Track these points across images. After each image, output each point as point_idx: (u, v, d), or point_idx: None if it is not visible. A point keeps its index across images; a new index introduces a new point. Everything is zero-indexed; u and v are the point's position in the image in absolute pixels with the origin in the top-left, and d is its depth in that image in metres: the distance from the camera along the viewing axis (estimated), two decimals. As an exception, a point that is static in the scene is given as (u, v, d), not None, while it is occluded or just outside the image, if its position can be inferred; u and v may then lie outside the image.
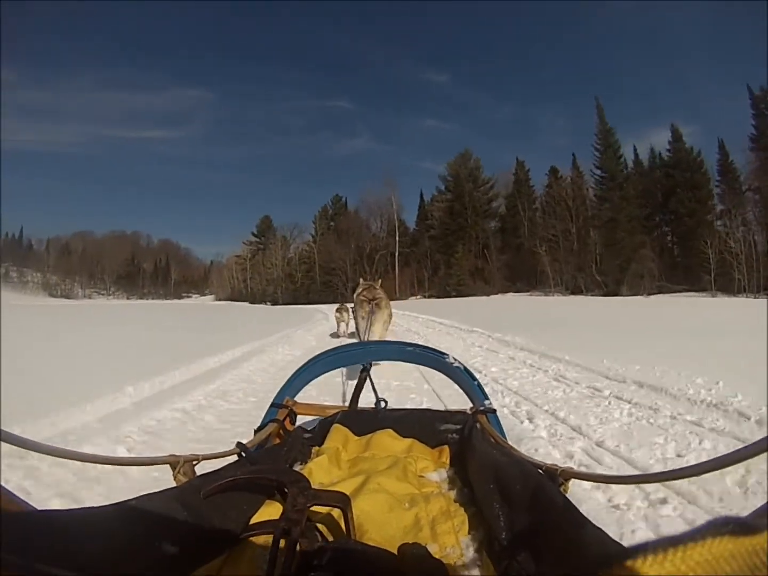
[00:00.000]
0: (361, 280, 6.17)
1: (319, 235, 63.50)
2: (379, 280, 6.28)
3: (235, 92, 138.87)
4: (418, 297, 51.50)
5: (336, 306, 10.97)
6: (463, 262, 48.30)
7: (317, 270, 59.92)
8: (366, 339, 4.16)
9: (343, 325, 9.93)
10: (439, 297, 45.92)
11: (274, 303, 57.99)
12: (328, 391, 3.82)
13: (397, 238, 56.89)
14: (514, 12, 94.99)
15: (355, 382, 1.49)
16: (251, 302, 62.18)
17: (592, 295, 35.23)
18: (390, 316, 5.62)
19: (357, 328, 5.56)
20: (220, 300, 74.41)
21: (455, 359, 1.27)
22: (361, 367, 1.49)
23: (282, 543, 0.47)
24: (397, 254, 56.10)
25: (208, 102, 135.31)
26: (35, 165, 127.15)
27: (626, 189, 40.30)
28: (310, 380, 1.30)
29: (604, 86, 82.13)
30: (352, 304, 6.03)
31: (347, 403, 1.40)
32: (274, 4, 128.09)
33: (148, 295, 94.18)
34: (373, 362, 1.59)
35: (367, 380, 1.49)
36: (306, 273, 62.15)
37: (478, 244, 50.56)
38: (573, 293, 38.30)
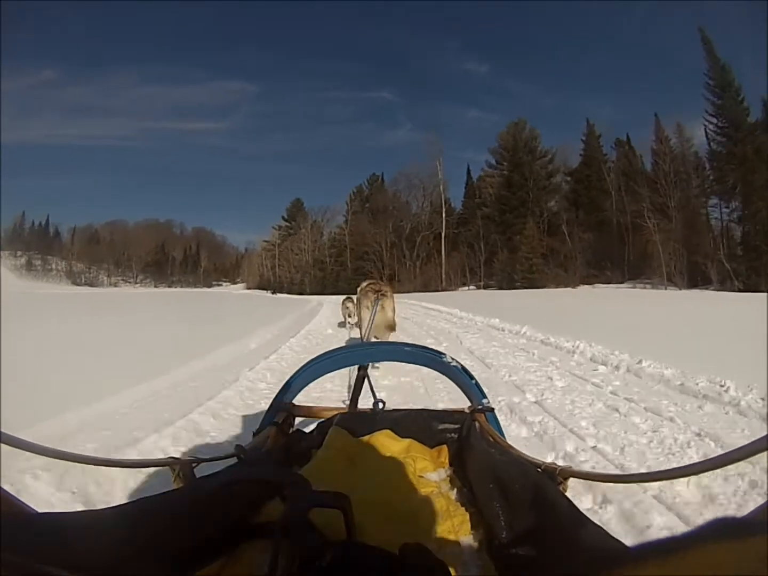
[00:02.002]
0: (367, 280, 5.51)
1: (350, 214, 55.28)
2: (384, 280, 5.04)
3: (276, 84, 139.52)
4: (470, 287, 42.17)
5: (343, 297, 10.37)
6: (535, 242, 37.97)
7: (348, 255, 51.86)
8: (369, 331, 3.32)
9: (348, 317, 9.34)
10: (500, 287, 36.55)
11: (297, 292, 50.37)
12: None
13: (443, 215, 47.50)
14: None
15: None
16: (273, 291, 56.44)
17: (723, 290, 24.80)
18: (394, 310, 5.01)
19: (359, 320, 5.29)
20: (249, 288, 70.07)
21: (453, 358, 1.25)
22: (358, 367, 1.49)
23: (282, 545, 0.47)
24: (444, 233, 46.69)
25: (250, 94, 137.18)
26: (76, 159, 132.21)
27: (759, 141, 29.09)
28: (308, 383, 1.27)
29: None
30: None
31: (346, 403, 1.41)
32: None
33: (176, 284, 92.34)
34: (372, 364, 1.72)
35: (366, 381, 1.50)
36: (336, 258, 54.34)
37: (544, 222, 41.15)
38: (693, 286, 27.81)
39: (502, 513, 0.61)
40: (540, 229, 40.25)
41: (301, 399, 1.26)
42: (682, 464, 0.77)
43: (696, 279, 28.56)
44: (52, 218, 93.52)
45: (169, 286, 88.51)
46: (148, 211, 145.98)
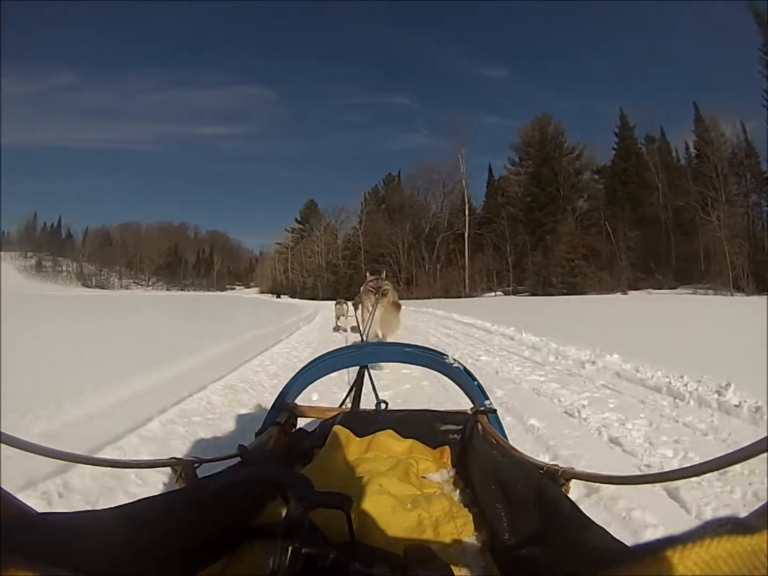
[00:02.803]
0: (368, 273, 5.84)
1: (365, 213, 51.91)
2: (384, 272, 6.05)
3: (295, 90, 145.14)
4: (497, 293, 38.47)
5: (335, 302, 10.81)
6: (575, 240, 33.74)
7: (363, 257, 48.40)
8: (368, 330, 3.66)
9: (342, 318, 9.91)
10: (533, 293, 32.68)
11: (309, 296, 47.25)
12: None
13: (467, 211, 43.84)
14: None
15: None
16: (277, 295, 55.24)
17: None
18: (398, 306, 5.18)
19: (360, 321, 5.05)
20: (262, 292, 67.89)
21: (455, 359, 1.24)
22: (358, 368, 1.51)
23: (285, 545, 0.47)
24: (467, 233, 43.00)
25: (268, 99, 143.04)
26: (92, 162, 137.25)
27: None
28: (310, 383, 1.28)
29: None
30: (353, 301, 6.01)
31: (348, 405, 1.41)
32: (334, 4, 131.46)
33: (189, 287, 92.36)
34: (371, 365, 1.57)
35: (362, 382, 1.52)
36: (350, 261, 51.01)
37: (576, 220, 37.38)
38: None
39: (505, 514, 0.62)
40: (574, 227, 36.49)
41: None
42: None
43: (765, 282, 24.39)
44: (66, 220, 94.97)
45: (182, 290, 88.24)
46: (163, 214, 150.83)
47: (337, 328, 9.76)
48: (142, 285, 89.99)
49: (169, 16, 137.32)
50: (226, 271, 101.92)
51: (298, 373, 1.24)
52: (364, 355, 1.41)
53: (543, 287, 32.60)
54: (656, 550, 0.23)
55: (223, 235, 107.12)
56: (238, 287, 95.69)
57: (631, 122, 38.50)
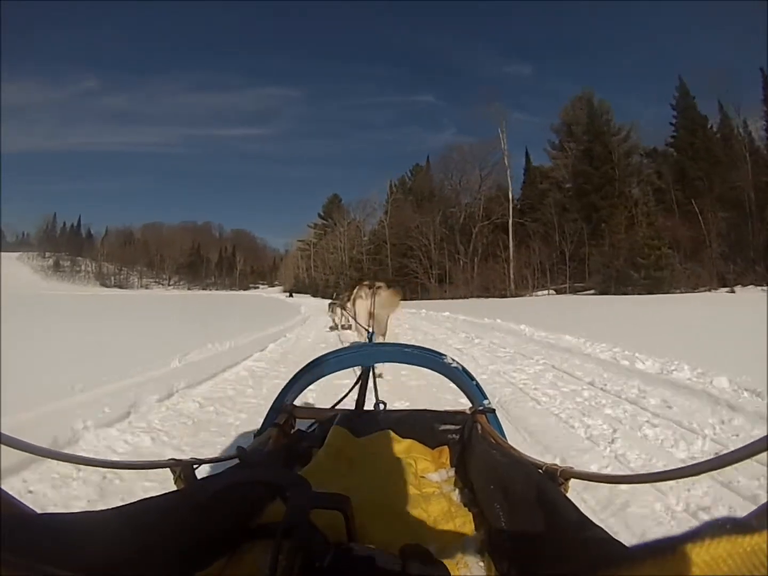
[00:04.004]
0: (366, 282, 5.29)
1: (391, 202, 46.96)
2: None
3: (319, 90, 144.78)
4: (549, 291, 32.83)
5: (329, 301, 11.07)
6: (657, 222, 27.18)
7: (388, 251, 43.44)
8: (372, 326, 3.68)
9: (336, 319, 9.76)
10: (602, 291, 26.69)
11: (330, 295, 42.50)
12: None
13: (510, 195, 38.34)
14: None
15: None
16: (290, 294, 52.69)
17: None
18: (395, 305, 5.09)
19: (356, 318, 4.94)
20: (285, 291, 65.35)
21: (453, 359, 1.24)
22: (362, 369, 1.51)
23: (283, 546, 0.47)
24: (511, 220, 37.39)
25: (293, 100, 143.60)
26: (117, 164, 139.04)
27: None
28: (309, 384, 1.29)
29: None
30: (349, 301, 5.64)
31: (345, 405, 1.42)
32: (358, 4, 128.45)
33: (211, 286, 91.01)
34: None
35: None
36: (374, 256, 46.18)
37: (634, 206, 31.77)
38: None
39: (504, 514, 0.62)
40: (632, 214, 30.77)
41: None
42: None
43: None
44: (93, 222, 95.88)
45: (204, 289, 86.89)
46: (188, 215, 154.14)
47: (334, 327, 9.66)
48: (162, 284, 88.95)
49: (191, 18, 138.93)
50: (249, 270, 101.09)
51: (296, 374, 1.24)
52: (364, 356, 1.40)
53: (616, 284, 26.31)
54: (656, 550, 0.23)
55: (247, 234, 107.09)
56: (261, 286, 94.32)
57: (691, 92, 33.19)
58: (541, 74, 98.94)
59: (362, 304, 4.70)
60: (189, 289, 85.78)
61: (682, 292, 22.34)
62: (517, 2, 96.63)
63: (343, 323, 9.24)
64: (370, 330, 3.37)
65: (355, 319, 5.03)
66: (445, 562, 0.51)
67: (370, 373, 1.49)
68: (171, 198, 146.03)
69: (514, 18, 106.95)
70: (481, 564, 0.59)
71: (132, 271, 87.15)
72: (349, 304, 5.36)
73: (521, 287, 33.65)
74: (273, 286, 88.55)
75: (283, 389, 1.20)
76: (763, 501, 0.35)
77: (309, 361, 1.27)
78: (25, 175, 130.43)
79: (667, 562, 0.22)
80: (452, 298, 32.47)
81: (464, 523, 0.68)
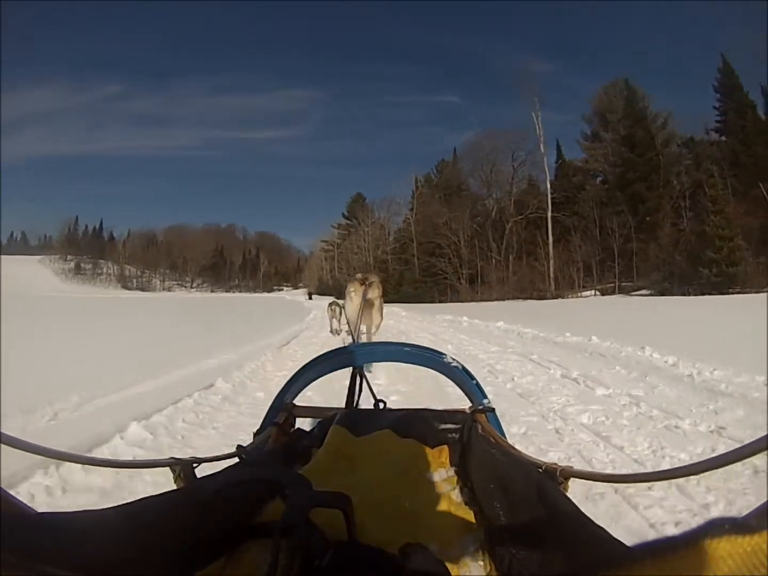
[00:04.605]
0: (359, 275, 5.17)
1: (416, 198, 44.31)
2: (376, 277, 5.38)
3: (345, 91, 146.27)
4: (594, 291, 29.69)
5: (329, 301, 10.75)
6: (727, 209, 23.05)
7: (415, 249, 40.75)
8: (358, 326, 3.48)
9: (335, 321, 9.89)
10: (661, 293, 23.24)
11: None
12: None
13: (548, 184, 35.30)
14: None
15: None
16: (309, 296, 51.42)
17: None
18: (381, 306, 5.12)
19: (348, 316, 4.95)
20: (310, 293, 64.04)
21: (453, 359, 1.25)
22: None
23: (283, 545, 0.47)
24: (550, 213, 34.25)
25: (318, 101, 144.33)
26: (143, 168, 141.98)
27: None
28: (309, 383, 1.29)
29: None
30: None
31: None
32: (382, 4, 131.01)
33: (234, 288, 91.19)
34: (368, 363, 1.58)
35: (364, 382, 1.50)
36: (399, 256, 43.57)
37: (683, 196, 29.09)
38: None
39: (503, 513, 0.62)
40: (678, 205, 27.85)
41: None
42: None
43: None
44: (115, 225, 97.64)
45: (227, 291, 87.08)
46: (212, 217, 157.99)
47: (337, 332, 9.61)
48: (185, 287, 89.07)
49: (217, 21, 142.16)
50: (273, 272, 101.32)
51: (296, 373, 1.25)
52: (364, 354, 1.39)
53: (679, 283, 22.82)
54: (656, 550, 0.23)
55: (272, 236, 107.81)
56: (286, 288, 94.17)
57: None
58: (567, 70, 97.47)
59: (351, 305, 4.55)
60: (212, 291, 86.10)
61: (757, 292, 18.90)
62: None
63: (339, 327, 9.37)
64: (355, 339, 3.11)
65: (347, 321, 5.02)
66: (445, 561, 0.51)
67: (365, 372, 1.45)
68: (195, 201, 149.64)
69: (538, 14, 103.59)
70: (481, 563, 0.59)
71: (154, 274, 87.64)
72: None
73: (562, 287, 30.56)
74: (297, 288, 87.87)
75: (282, 388, 1.21)
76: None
77: (309, 359, 1.30)
78: (49, 179, 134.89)
79: (667, 562, 0.22)
80: (486, 300, 29.64)
81: (464, 522, 0.68)
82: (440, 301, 33.82)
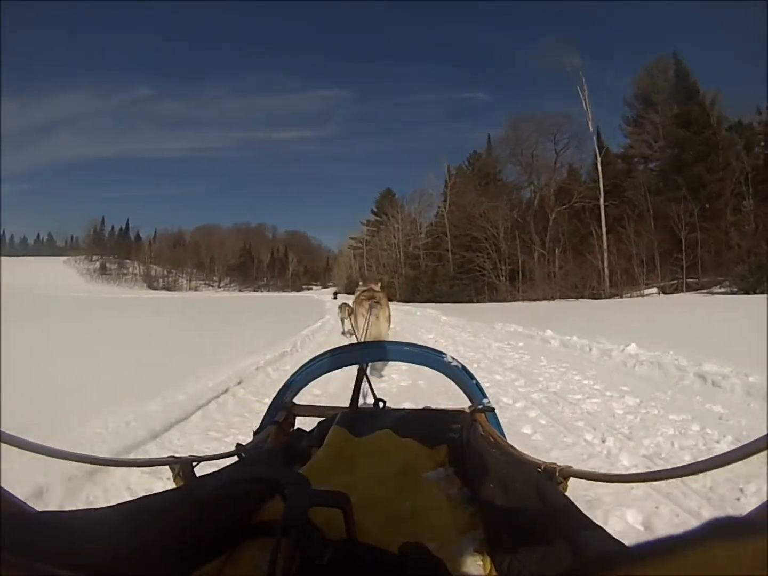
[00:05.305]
0: (360, 282, 6.11)
1: (450, 185, 41.17)
2: (379, 283, 6.08)
3: (371, 89, 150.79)
4: (656, 290, 25.89)
5: (339, 303, 10.42)
6: None
7: (449, 243, 37.73)
8: (364, 338, 3.63)
9: (347, 322, 9.53)
10: (746, 290, 19.24)
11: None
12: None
13: (599, 167, 31.63)
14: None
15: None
16: (334, 295, 47.50)
17: None
18: (388, 319, 5.38)
19: (355, 328, 5.07)
20: (338, 292, 62.36)
21: (453, 358, 1.26)
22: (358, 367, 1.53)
23: (282, 544, 0.47)
24: (602, 199, 30.64)
25: (345, 100, 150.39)
26: (172, 169, 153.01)
27: None
28: (309, 382, 1.30)
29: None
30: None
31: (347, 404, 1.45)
32: (408, 3, 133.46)
33: (263, 288, 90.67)
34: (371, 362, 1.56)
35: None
36: (432, 251, 40.67)
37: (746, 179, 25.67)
38: None
39: (502, 513, 0.62)
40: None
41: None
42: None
43: None
44: (142, 225, 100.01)
45: (255, 290, 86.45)
46: (241, 217, 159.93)
47: (350, 332, 8.88)
48: (212, 286, 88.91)
49: (243, 22, 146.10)
50: (302, 271, 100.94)
51: (296, 371, 1.26)
52: (364, 353, 1.41)
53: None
54: (656, 550, 0.23)
55: (301, 234, 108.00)
56: (315, 287, 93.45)
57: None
58: (598, 63, 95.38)
59: (361, 321, 4.71)
60: (240, 290, 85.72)
61: None
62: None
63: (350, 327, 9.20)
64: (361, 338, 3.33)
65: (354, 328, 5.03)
66: (444, 560, 0.51)
67: (367, 372, 1.48)
68: (225, 201, 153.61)
69: (564, 10, 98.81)
70: (480, 563, 0.59)
71: (181, 273, 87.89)
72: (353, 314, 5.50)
73: (618, 284, 27.07)
74: (327, 287, 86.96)
75: (282, 387, 1.22)
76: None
77: (309, 358, 1.29)
78: (79, 182, 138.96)
79: (667, 562, 0.22)
80: (530, 300, 26.50)
81: (463, 521, 0.68)
82: (478, 301, 30.85)
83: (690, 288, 24.36)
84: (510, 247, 33.06)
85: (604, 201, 30.52)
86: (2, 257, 74.10)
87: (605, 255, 28.34)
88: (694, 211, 25.52)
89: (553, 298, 26.36)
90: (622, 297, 24.55)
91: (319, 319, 14.16)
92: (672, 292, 24.41)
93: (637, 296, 24.25)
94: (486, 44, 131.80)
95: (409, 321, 13.87)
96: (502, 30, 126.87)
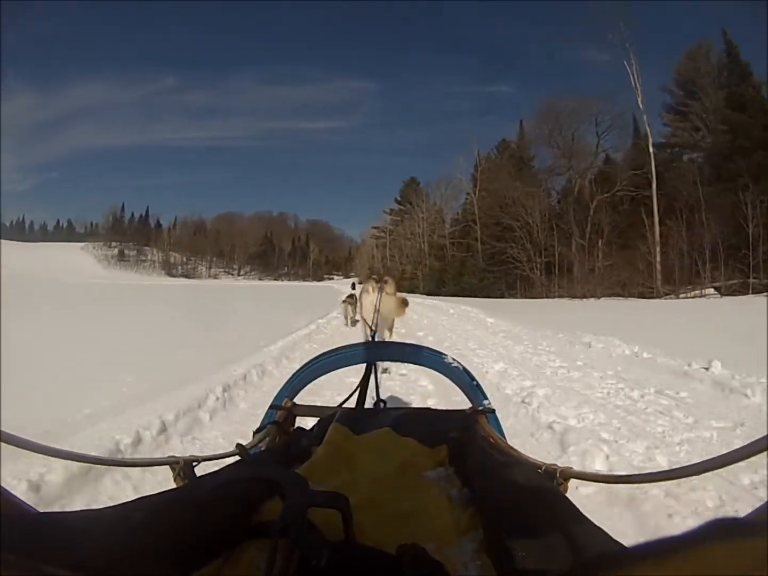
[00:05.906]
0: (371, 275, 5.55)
1: (480, 170, 38.41)
2: (392, 278, 5.19)
3: (396, 82, 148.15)
4: (713, 290, 22.79)
5: (344, 297, 10.68)
6: None
7: (478, 233, 35.14)
8: (375, 318, 3.64)
9: (350, 309, 9.89)
10: None
11: (406, 289, 35.21)
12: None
13: (650, 149, 28.99)
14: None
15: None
16: (353, 286, 44.80)
17: None
18: (403, 302, 5.13)
19: (362, 313, 4.90)
20: (354, 283, 60.37)
21: (454, 359, 1.29)
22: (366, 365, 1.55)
23: (280, 545, 0.46)
24: (654, 186, 27.85)
25: (372, 92, 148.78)
26: (197, 158, 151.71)
27: None
28: (310, 382, 1.32)
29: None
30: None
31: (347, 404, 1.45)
32: None
33: (283, 276, 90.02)
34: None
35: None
36: (460, 240, 38.27)
37: None
38: None
39: (502, 513, 0.61)
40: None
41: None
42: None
43: None
44: (163, 212, 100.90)
45: (276, 279, 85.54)
46: (264, 205, 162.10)
47: (353, 321, 9.43)
48: (232, 274, 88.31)
49: (269, 12, 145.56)
50: (324, 261, 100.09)
51: (297, 371, 1.27)
52: (364, 353, 1.42)
53: None
54: (656, 550, 0.23)
55: (324, 224, 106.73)
56: (336, 277, 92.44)
57: None
58: (619, 60, 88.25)
59: (368, 298, 4.62)
60: (260, 279, 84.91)
61: None
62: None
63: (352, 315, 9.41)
64: (373, 328, 3.23)
65: (361, 315, 4.94)
66: (443, 561, 0.50)
67: (372, 372, 1.51)
68: (247, 190, 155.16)
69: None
70: (479, 563, 0.58)
71: (201, 261, 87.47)
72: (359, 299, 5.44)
73: (670, 283, 24.09)
74: (348, 276, 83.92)
75: (283, 386, 1.23)
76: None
77: (310, 357, 1.31)
78: (102, 170, 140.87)
79: (667, 562, 0.22)
80: (568, 296, 24.06)
81: (463, 522, 0.67)
82: (510, 296, 28.47)
83: (755, 290, 21.45)
84: (546, 237, 30.59)
85: (649, 191, 27.82)
86: (20, 243, 74.70)
87: (657, 249, 25.46)
88: (757, 204, 22.54)
89: (598, 296, 23.99)
90: (678, 297, 21.93)
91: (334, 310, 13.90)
92: (732, 294, 21.54)
93: (694, 297, 21.56)
94: (512, 36, 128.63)
95: (441, 325, 11.18)
96: (526, 22, 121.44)
